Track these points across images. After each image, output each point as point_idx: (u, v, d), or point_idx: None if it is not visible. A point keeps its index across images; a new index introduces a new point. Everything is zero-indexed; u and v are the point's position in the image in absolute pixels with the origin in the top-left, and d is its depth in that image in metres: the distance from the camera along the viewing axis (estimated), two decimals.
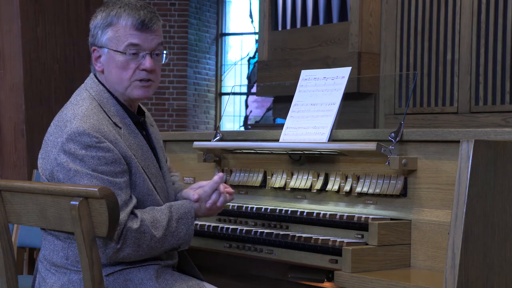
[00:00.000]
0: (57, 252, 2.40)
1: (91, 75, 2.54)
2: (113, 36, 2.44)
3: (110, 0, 2.55)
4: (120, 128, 2.44)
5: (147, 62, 2.46)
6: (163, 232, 2.38)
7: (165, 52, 2.55)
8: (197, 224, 2.99)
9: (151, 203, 2.46)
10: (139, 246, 2.33)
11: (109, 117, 2.43)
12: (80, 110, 2.40)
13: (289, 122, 2.98)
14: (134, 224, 2.32)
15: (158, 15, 2.50)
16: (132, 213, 2.35)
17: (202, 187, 2.56)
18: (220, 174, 2.56)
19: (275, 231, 2.75)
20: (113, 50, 2.45)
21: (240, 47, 10.43)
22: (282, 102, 5.39)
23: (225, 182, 3.24)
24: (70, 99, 2.50)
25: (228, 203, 3.09)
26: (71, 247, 2.37)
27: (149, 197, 2.46)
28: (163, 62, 2.54)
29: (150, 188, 2.46)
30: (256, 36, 9.73)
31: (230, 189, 2.61)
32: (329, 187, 2.84)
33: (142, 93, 2.49)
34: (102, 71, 2.49)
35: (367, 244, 2.50)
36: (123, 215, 2.29)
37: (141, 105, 2.64)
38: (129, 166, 2.40)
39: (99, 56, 2.49)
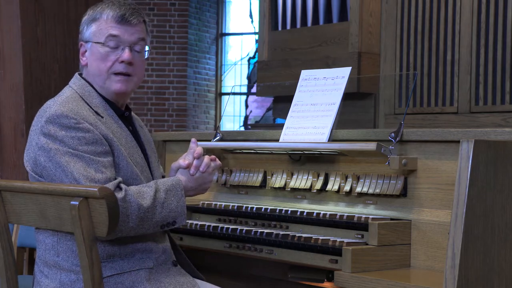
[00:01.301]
0: (48, 251, 2.41)
1: (76, 74, 2.60)
2: (96, 30, 2.52)
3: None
4: (102, 117, 2.47)
5: (126, 54, 2.50)
6: (151, 202, 2.35)
7: (147, 48, 2.59)
8: (197, 224, 2.99)
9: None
10: (128, 217, 2.30)
11: (91, 107, 2.47)
12: (60, 98, 2.46)
13: (289, 122, 2.98)
14: (119, 194, 2.29)
15: (142, 14, 2.58)
16: (117, 186, 2.33)
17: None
18: (193, 139, 2.60)
19: (275, 231, 2.75)
20: (95, 42, 2.51)
21: (240, 47, 10.43)
22: (282, 102, 5.39)
23: (225, 183, 3.24)
24: None
25: (228, 203, 3.10)
26: (61, 242, 2.38)
27: (135, 181, 2.45)
28: (145, 57, 2.59)
29: (135, 172, 2.46)
30: (256, 36, 9.73)
31: (212, 156, 2.62)
32: (329, 187, 2.84)
33: (119, 87, 2.52)
34: (86, 65, 2.56)
35: (367, 244, 2.50)
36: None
37: (128, 105, 2.67)
38: (111, 148, 2.41)
39: (85, 51, 2.56)
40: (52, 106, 2.41)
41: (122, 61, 2.50)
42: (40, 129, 2.38)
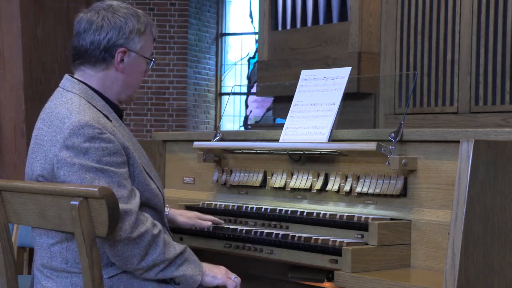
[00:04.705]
0: (55, 258, 2.38)
1: (66, 76, 2.53)
2: (144, 44, 2.54)
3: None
4: (111, 121, 2.46)
5: (149, 71, 2.64)
6: (172, 257, 2.39)
7: None
8: None
9: (149, 194, 2.47)
10: (147, 254, 2.33)
11: (100, 111, 2.45)
12: (74, 106, 2.39)
13: (289, 122, 2.98)
14: (155, 230, 2.35)
15: None
16: (153, 223, 2.38)
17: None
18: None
19: (275, 231, 2.75)
20: (143, 56, 2.54)
21: (240, 47, 10.43)
22: (282, 102, 5.39)
23: (225, 183, 3.24)
24: (53, 101, 2.47)
25: (228, 203, 3.10)
26: (69, 249, 2.36)
27: (147, 187, 2.46)
28: None
29: (146, 178, 2.47)
30: (256, 36, 9.73)
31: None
32: (329, 187, 2.84)
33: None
34: (122, 71, 2.51)
35: (367, 244, 2.50)
36: (133, 206, 2.31)
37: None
38: (128, 157, 2.41)
39: (123, 58, 2.50)
40: (71, 116, 2.35)
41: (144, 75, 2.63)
42: (62, 142, 2.32)
